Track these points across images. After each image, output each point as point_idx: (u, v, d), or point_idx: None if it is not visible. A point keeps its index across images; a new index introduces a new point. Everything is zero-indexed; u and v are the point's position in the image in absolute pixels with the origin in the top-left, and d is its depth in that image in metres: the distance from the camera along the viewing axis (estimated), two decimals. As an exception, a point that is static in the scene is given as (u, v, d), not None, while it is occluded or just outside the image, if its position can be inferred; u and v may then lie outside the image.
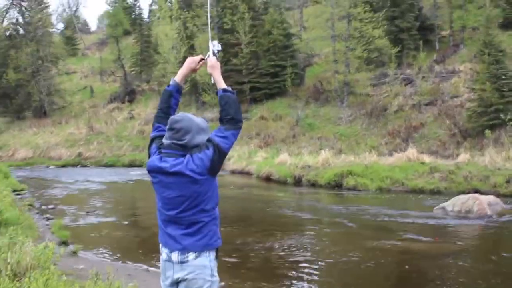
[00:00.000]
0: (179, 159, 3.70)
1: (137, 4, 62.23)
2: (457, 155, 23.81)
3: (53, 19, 73.23)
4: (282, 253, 11.06)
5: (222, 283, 8.61)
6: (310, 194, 20.85)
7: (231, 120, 3.86)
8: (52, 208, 17.38)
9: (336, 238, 12.88)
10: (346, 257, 10.67)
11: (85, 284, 6.17)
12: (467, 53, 35.46)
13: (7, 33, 55.62)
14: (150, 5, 68.25)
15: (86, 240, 12.62)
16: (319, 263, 10.25)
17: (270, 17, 41.24)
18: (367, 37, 35.77)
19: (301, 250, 11.26)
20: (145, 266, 9.87)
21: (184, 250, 3.76)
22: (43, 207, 17.57)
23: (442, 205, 15.54)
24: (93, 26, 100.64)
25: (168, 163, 3.72)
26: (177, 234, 3.79)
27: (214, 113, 36.16)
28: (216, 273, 3.87)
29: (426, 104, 31.28)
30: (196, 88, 38.81)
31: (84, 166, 36.66)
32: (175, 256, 3.79)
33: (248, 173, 27.51)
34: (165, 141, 3.80)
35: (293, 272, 9.72)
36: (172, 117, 3.82)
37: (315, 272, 9.63)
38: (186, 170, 3.66)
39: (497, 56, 26.46)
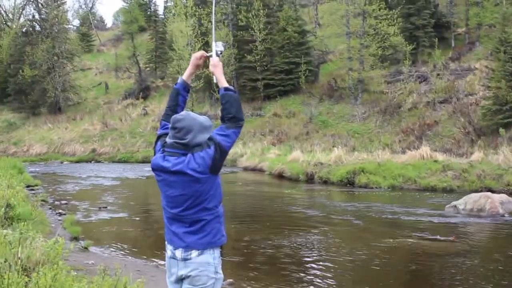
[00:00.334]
0: (181, 158, 3.72)
1: (153, 1, 62.60)
2: (471, 153, 23.68)
3: (69, 15, 73.86)
4: (291, 250, 11.05)
5: (231, 280, 8.64)
6: (322, 191, 20.83)
7: (232, 118, 3.86)
8: (65, 204, 17.49)
9: (346, 236, 12.85)
10: (356, 255, 10.65)
11: (93, 280, 6.21)
12: (483, 51, 35.22)
13: (24, 30, 56.05)
14: (165, 2, 68.40)
15: (97, 236, 12.69)
16: (328, 261, 10.23)
17: (285, 14, 41.22)
18: (382, 34, 35.70)
19: (310, 248, 11.25)
20: (154, 263, 9.91)
21: (187, 247, 3.78)
22: (56, 202, 17.69)
23: (454, 203, 15.46)
24: (108, 22, 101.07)
25: (170, 162, 3.74)
26: (180, 232, 3.82)
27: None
28: (220, 270, 3.88)
29: (441, 102, 31.14)
30: (210, 85, 38.84)
31: (98, 162, 36.89)
32: (179, 253, 3.82)
33: (260, 170, 27.52)
34: (168, 140, 3.83)
35: (301, 270, 9.70)
36: (174, 116, 3.83)
37: (323, 270, 9.61)
38: (187, 169, 3.67)
39: (513, 54, 26.27)
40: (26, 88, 50.00)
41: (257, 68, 39.65)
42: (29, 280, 5.83)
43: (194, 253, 3.77)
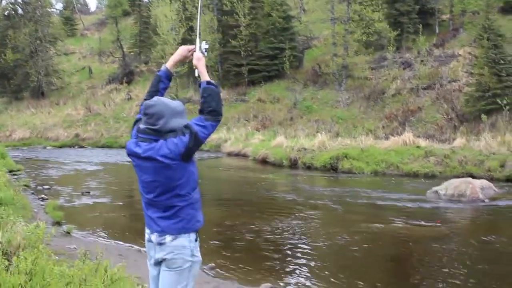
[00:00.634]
0: (152, 144, 3.75)
1: (137, -15, 61.88)
2: (454, 139, 23.84)
3: (52, -1, 72.77)
4: (273, 235, 11.11)
5: (212, 264, 8.68)
6: (305, 176, 20.91)
7: (212, 112, 3.90)
8: (48, 189, 17.41)
9: (328, 220, 12.93)
10: (338, 239, 10.73)
11: (74, 263, 6.21)
12: (467, 37, 35.37)
13: (6, 13, 55.37)
14: (150, -14, 67.86)
15: (80, 221, 12.68)
16: (310, 245, 10.30)
17: (270, -1, 41.07)
18: (367, 20, 35.71)
19: (292, 233, 11.32)
20: (137, 247, 9.92)
21: (162, 232, 3.85)
22: (38, 187, 17.60)
23: (435, 188, 15.60)
24: (92, 6, 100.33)
25: (142, 148, 3.78)
26: (155, 216, 3.89)
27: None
28: (197, 253, 3.92)
29: (424, 88, 31.28)
30: (194, 70, 38.70)
31: (81, 147, 36.72)
32: (154, 237, 3.90)
33: (244, 155, 27.56)
34: (141, 125, 3.85)
35: (283, 255, 9.77)
36: (146, 102, 3.87)
37: (305, 254, 9.68)
38: (157, 155, 3.71)
39: (496, 41, 26.44)
40: (8, 72, 49.52)
41: (242, 53, 39.53)
42: (10, 264, 5.83)
43: (168, 238, 3.83)
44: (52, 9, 63.90)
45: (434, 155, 20.74)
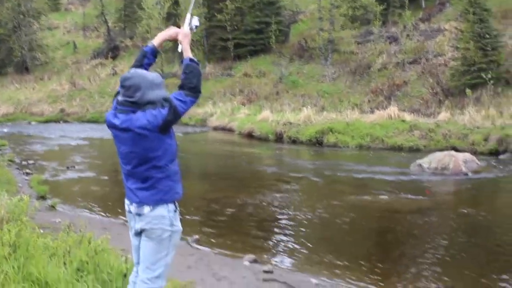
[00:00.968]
0: (130, 116, 3.77)
1: (121, -42, 61.03)
2: (438, 113, 23.98)
3: (35, -28, 71.68)
4: (257, 208, 11.17)
5: (196, 237, 8.74)
6: (290, 150, 20.99)
7: (193, 88, 3.94)
8: (32, 164, 17.35)
9: (313, 194, 13.02)
10: (322, 212, 10.81)
11: (58, 236, 6.24)
12: (453, 12, 35.28)
13: (-13, -13, 54.51)
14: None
15: (65, 195, 12.70)
16: (294, 218, 10.38)
17: (256, -27, 40.68)
18: (353, -6, 35.54)
19: (276, 206, 11.38)
20: (121, 220, 9.94)
21: (140, 203, 3.90)
22: (23, 162, 17.53)
23: (419, 162, 15.72)
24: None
25: (120, 119, 3.81)
26: (134, 187, 3.95)
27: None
28: (177, 223, 3.97)
29: (410, 63, 31.28)
30: (178, 45, 38.48)
31: (66, 122, 36.48)
32: (133, 208, 3.96)
33: (230, 130, 27.55)
34: (119, 98, 3.86)
35: (267, 227, 9.84)
36: (122, 74, 3.88)
37: (289, 227, 9.76)
38: (134, 126, 3.74)
39: (482, 15, 26.40)
40: (-9, 48, 48.92)
41: (228, 27, 39.23)
42: (-7, 237, 5.83)
43: (146, 208, 3.88)
44: (35, -17, 63.01)
45: (418, 129, 20.87)
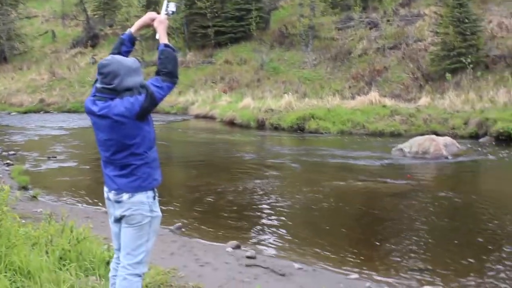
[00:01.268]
0: (108, 103, 3.77)
1: None
2: (419, 98, 24.14)
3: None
4: (239, 195, 11.20)
5: (179, 224, 8.75)
6: (272, 137, 21.04)
7: (168, 74, 3.92)
8: (13, 154, 17.21)
9: (295, 180, 13.07)
10: (304, 198, 10.87)
11: (39, 225, 6.22)
12: (432, -4, 35.43)
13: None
14: None
15: (46, 185, 12.63)
16: (276, 204, 10.42)
17: (236, -42, 40.45)
18: (333, -21, 35.51)
19: (259, 192, 11.42)
20: (104, 209, 9.88)
21: (118, 190, 3.92)
22: (3, 153, 17.39)
23: (400, 146, 15.84)
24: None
25: (98, 106, 3.81)
26: (112, 174, 3.97)
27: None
28: (156, 209, 3.99)
29: (390, 48, 31.37)
30: (155, 32, 38.25)
31: (46, 112, 36.19)
32: (112, 195, 3.97)
33: (211, 118, 27.52)
34: (97, 84, 3.85)
35: (249, 213, 9.88)
36: (100, 61, 3.88)
37: (271, 213, 9.80)
38: (112, 114, 3.73)
39: (461, 0, 26.52)
40: (-32, 37, 48.27)
41: (208, 14, 39.00)
42: (-26, 228, 5.80)
43: (125, 195, 3.89)
44: (13, -29, 62.17)
45: (399, 114, 21.02)
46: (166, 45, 4.01)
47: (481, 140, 17.91)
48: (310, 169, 14.41)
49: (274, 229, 8.71)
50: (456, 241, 8.01)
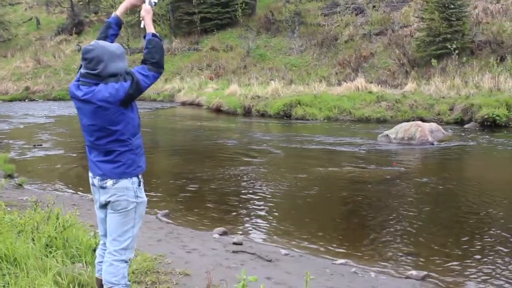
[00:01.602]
0: (92, 88, 3.76)
1: None
2: (405, 84, 24.24)
3: None
4: (226, 182, 11.22)
5: (166, 211, 8.76)
6: (259, 124, 21.06)
7: (155, 63, 3.92)
8: (-2, 142, 17.14)
9: (281, 166, 13.09)
10: (290, 184, 10.90)
11: (25, 213, 6.21)
12: (418, -18, 35.43)
13: None
14: None
15: (33, 173, 12.58)
16: (262, 190, 10.45)
17: None
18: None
19: (245, 179, 11.44)
20: (90, 196, 9.88)
21: (103, 176, 3.92)
22: (-12, 141, 17.30)
23: (386, 132, 15.92)
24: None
25: (82, 91, 3.79)
26: (96, 160, 3.97)
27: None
28: (141, 194, 4.00)
29: (376, 34, 31.46)
30: (141, 21, 38.01)
31: (32, 100, 36.00)
32: (96, 181, 3.96)
33: (198, 105, 27.52)
34: (82, 70, 3.84)
35: (236, 200, 9.89)
36: (84, 46, 3.86)
37: (257, 199, 9.82)
38: (96, 99, 3.73)
39: (446, -15, 26.59)
40: (-49, 25, 47.75)
41: (193, 1, 38.85)
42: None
43: (109, 181, 3.90)
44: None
45: (385, 100, 21.10)
46: (153, 35, 4.00)
47: (466, 126, 18.04)
48: (296, 155, 14.45)
49: (260, 216, 8.74)
50: (440, 226, 8.09)
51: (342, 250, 7.09)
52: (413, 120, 17.48)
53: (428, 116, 19.04)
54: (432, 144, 14.92)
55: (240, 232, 7.88)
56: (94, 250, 5.07)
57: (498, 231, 7.60)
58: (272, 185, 10.80)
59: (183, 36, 39.70)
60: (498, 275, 6.11)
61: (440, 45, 25.54)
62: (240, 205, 9.48)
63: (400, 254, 6.91)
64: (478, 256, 6.71)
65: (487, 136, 16.08)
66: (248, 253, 6.69)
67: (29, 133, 19.93)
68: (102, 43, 3.85)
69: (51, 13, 53.68)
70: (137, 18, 37.88)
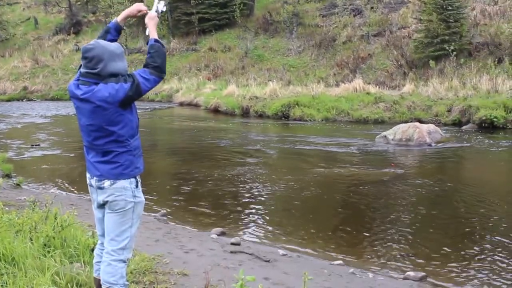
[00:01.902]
0: (91, 87, 3.77)
1: None
2: (403, 85, 24.28)
3: None
4: (224, 182, 11.21)
5: (164, 211, 8.76)
6: (257, 125, 21.06)
7: (157, 68, 3.94)
8: (-4, 142, 17.12)
9: (279, 167, 13.09)
10: (288, 185, 10.89)
11: (23, 213, 6.20)
12: (416, -16, 35.46)
13: None
14: None
15: (30, 173, 12.58)
16: (261, 191, 10.44)
17: None
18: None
19: (243, 180, 11.43)
20: (88, 197, 9.87)
21: (100, 176, 3.93)
22: (-14, 141, 17.28)
23: (383, 133, 15.92)
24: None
25: (81, 90, 3.80)
26: (94, 161, 3.97)
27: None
28: (139, 194, 4.01)
29: (374, 35, 31.48)
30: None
31: (30, 100, 35.97)
32: (94, 181, 3.96)
33: (196, 105, 27.52)
34: (81, 69, 3.85)
35: (233, 200, 9.89)
36: (84, 45, 3.87)
37: (255, 200, 9.82)
38: (95, 98, 3.73)
39: (444, -13, 26.63)
40: (-51, 25, 47.66)
41: (191, 1, 38.84)
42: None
43: (106, 182, 3.91)
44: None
45: (383, 101, 21.11)
46: (156, 40, 4.03)
47: (464, 127, 18.06)
48: (294, 156, 14.45)
49: (259, 216, 8.74)
50: (438, 227, 8.09)
51: (340, 251, 7.09)
52: (411, 122, 17.49)
53: (426, 118, 19.07)
54: (430, 145, 14.93)
55: (238, 233, 7.88)
56: (92, 250, 5.06)
57: (495, 232, 7.61)
58: (270, 186, 10.80)
59: (181, 36, 39.70)
60: (495, 276, 6.12)
61: (438, 46, 25.58)
62: (238, 206, 9.48)
63: (398, 255, 6.92)
64: (475, 257, 6.72)
65: (485, 138, 16.10)
66: (246, 253, 6.69)
67: (27, 133, 19.91)
68: (102, 42, 3.86)
69: (49, 13, 53.64)
70: (135, 19, 37.95)
